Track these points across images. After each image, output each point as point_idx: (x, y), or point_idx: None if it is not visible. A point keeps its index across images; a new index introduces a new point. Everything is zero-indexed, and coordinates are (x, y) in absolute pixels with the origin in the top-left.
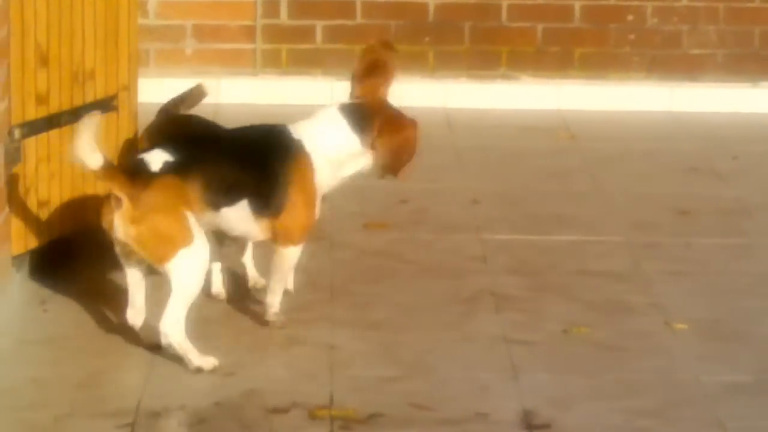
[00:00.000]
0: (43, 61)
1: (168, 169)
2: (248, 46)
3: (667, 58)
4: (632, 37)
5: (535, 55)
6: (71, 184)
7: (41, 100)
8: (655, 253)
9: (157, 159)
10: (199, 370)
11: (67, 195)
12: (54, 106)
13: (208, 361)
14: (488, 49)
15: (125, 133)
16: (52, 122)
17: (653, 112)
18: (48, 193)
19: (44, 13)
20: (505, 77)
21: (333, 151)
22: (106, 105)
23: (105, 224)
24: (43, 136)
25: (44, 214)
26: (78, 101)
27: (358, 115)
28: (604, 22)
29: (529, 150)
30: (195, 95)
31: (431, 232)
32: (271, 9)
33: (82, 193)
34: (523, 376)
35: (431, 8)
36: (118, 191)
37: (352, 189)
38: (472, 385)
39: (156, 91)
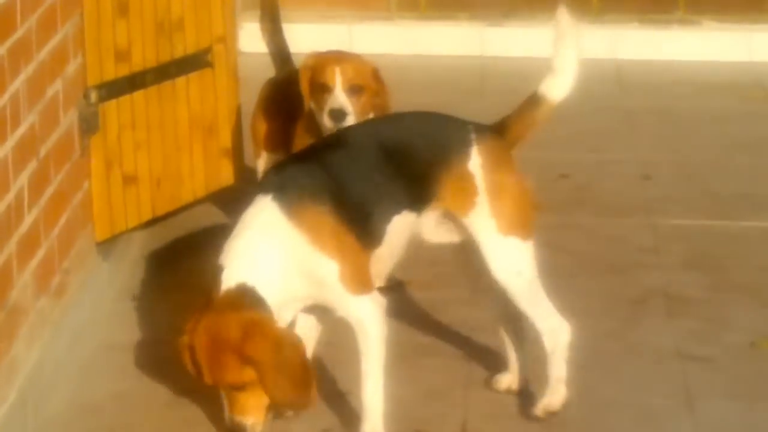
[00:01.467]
0: (122, 9)
1: None
2: None
3: None
4: None
5: None
6: (162, 154)
7: (121, 56)
8: None
9: None
10: None
11: (157, 168)
12: (137, 63)
13: None
14: None
15: (224, 94)
16: (135, 82)
17: None
18: (135, 166)
19: None
20: (683, 22)
21: None
22: (198, 61)
23: None
24: (125, 98)
25: (132, 192)
26: (165, 57)
27: None
28: None
29: (713, 113)
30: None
31: (594, 215)
32: None
33: (177, 165)
34: (700, 403)
35: None
36: None
37: None
38: (636, 413)
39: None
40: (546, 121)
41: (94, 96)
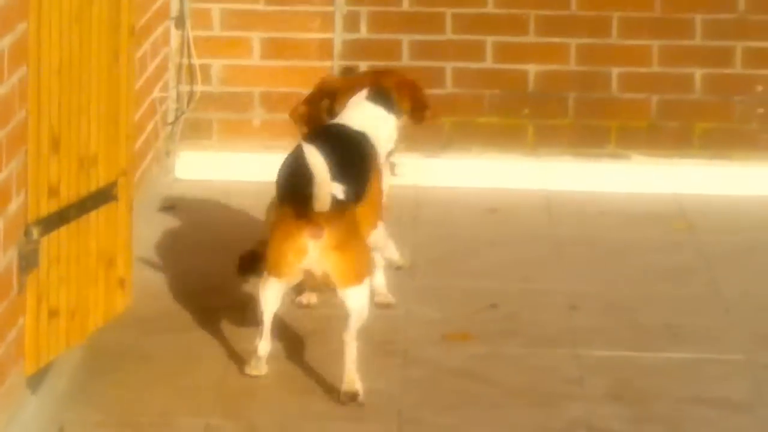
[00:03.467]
0: (55, 146)
1: (351, 198)
2: None
3: None
4: (761, 111)
5: (648, 130)
6: (77, 287)
7: (53, 192)
8: None
9: (336, 187)
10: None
11: (73, 301)
12: (64, 198)
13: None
14: (595, 123)
15: (123, 226)
16: (62, 217)
17: None
18: (58, 300)
19: (57, 91)
20: (614, 156)
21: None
22: (107, 194)
23: (292, 255)
24: (54, 234)
25: (54, 326)
26: (84, 191)
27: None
28: (728, 94)
29: (640, 243)
30: None
31: (521, 346)
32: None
33: (86, 297)
34: None
35: (531, 76)
36: (323, 222)
37: (434, 291)
38: None
39: (219, 166)
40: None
41: (35, 232)
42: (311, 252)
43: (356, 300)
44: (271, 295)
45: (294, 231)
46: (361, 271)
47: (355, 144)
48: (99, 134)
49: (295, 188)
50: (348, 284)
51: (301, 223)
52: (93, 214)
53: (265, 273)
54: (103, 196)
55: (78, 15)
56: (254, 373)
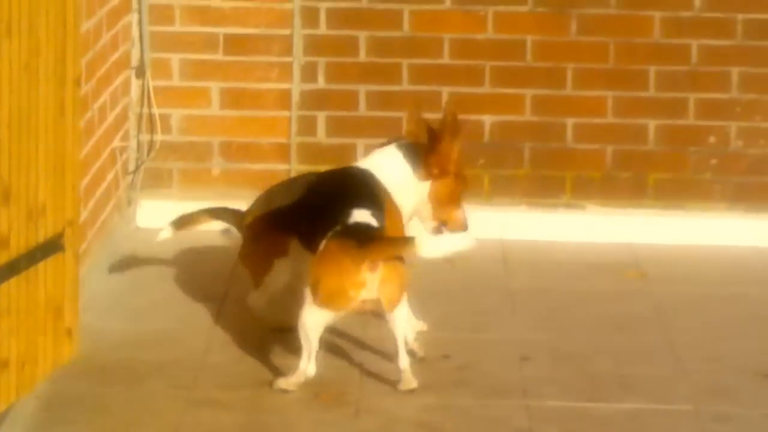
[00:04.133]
0: (6, 197)
1: (379, 224)
2: (282, 166)
3: (753, 187)
4: (714, 161)
5: (603, 181)
6: (27, 338)
7: (3, 243)
8: (728, 427)
9: (364, 215)
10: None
11: (23, 352)
12: (14, 249)
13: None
14: (550, 173)
15: (71, 275)
16: (12, 268)
17: (737, 248)
18: (8, 351)
19: (7, 142)
20: (569, 206)
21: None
22: (54, 245)
23: (352, 289)
24: (4, 285)
25: (4, 377)
26: (32, 242)
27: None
28: (682, 145)
29: (593, 293)
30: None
31: (473, 397)
32: (308, 126)
33: (35, 348)
34: None
35: (486, 126)
36: (375, 254)
37: (387, 341)
38: None
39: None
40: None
41: None
42: (369, 285)
43: (402, 317)
44: (320, 325)
45: (352, 266)
46: (404, 292)
47: (360, 177)
48: (47, 185)
49: (344, 223)
50: (396, 307)
51: (358, 257)
52: (41, 264)
53: (314, 304)
54: (50, 247)
55: (26, 66)
56: (291, 388)
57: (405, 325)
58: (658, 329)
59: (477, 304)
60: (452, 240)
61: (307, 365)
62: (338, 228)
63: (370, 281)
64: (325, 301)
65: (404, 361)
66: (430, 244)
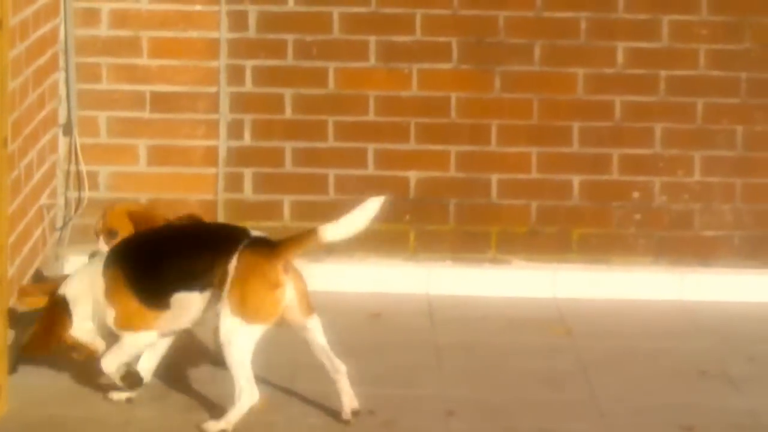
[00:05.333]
0: None
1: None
2: None
3: (676, 241)
4: (638, 216)
5: (528, 236)
6: None
7: None
8: None
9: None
10: None
11: None
12: None
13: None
14: (476, 229)
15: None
16: None
17: (661, 302)
18: None
19: None
20: (494, 261)
21: None
22: None
23: (277, 295)
24: None
25: None
26: None
27: None
28: (606, 200)
29: (519, 348)
30: None
31: None
32: (234, 183)
33: None
34: None
35: (412, 183)
36: (293, 253)
37: (315, 396)
38: None
39: None
40: (312, 251)
41: None
42: (287, 287)
43: (319, 323)
44: (252, 345)
45: (270, 268)
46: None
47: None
48: None
49: (249, 237)
50: (313, 311)
51: (274, 258)
52: None
53: (243, 322)
54: None
55: None
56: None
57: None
58: (582, 384)
59: (403, 360)
60: (351, 220)
61: (251, 391)
62: (245, 242)
63: (287, 283)
64: (254, 312)
65: (341, 363)
66: (332, 230)
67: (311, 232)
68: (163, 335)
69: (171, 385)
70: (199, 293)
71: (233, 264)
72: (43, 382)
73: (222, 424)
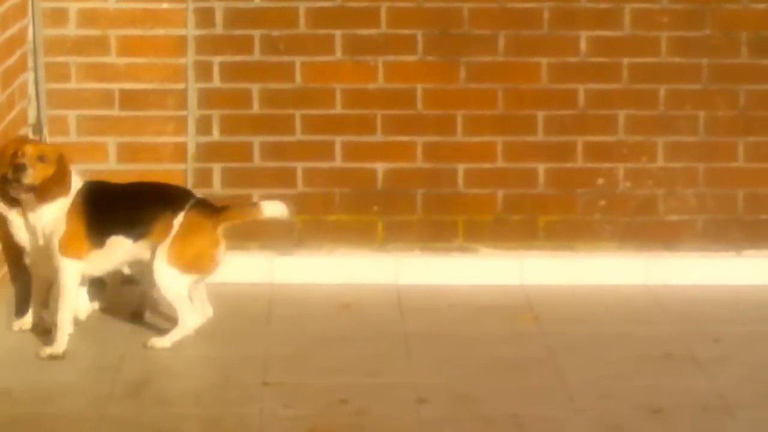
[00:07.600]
0: None
1: None
2: None
3: (641, 226)
4: (603, 203)
5: (494, 224)
6: None
7: None
8: None
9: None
10: None
11: None
12: None
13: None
14: (443, 218)
15: None
16: None
17: (626, 286)
18: None
19: None
20: (461, 250)
21: None
22: None
23: (214, 253)
24: None
25: None
26: None
27: None
28: (571, 187)
29: (487, 335)
30: None
31: None
32: (204, 178)
33: None
34: None
35: (379, 174)
36: (233, 221)
37: (286, 387)
38: None
39: None
40: (251, 221)
41: None
42: (222, 248)
43: None
44: (185, 289)
45: (213, 229)
46: None
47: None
48: None
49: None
50: None
51: (217, 222)
52: None
53: (180, 272)
54: None
55: None
56: (169, 345)
57: None
58: (551, 369)
59: (373, 349)
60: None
61: (192, 316)
62: (192, 202)
63: (223, 244)
64: (191, 265)
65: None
66: (271, 207)
67: (254, 205)
68: (88, 273)
69: (148, 381)
70: (133, 242)
71: (179, 220)
72: (15, 380)
73: (165, 341)
